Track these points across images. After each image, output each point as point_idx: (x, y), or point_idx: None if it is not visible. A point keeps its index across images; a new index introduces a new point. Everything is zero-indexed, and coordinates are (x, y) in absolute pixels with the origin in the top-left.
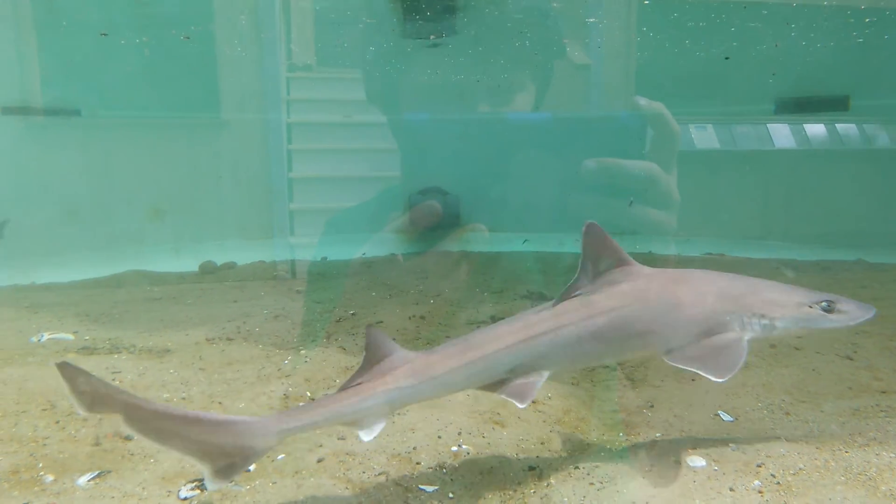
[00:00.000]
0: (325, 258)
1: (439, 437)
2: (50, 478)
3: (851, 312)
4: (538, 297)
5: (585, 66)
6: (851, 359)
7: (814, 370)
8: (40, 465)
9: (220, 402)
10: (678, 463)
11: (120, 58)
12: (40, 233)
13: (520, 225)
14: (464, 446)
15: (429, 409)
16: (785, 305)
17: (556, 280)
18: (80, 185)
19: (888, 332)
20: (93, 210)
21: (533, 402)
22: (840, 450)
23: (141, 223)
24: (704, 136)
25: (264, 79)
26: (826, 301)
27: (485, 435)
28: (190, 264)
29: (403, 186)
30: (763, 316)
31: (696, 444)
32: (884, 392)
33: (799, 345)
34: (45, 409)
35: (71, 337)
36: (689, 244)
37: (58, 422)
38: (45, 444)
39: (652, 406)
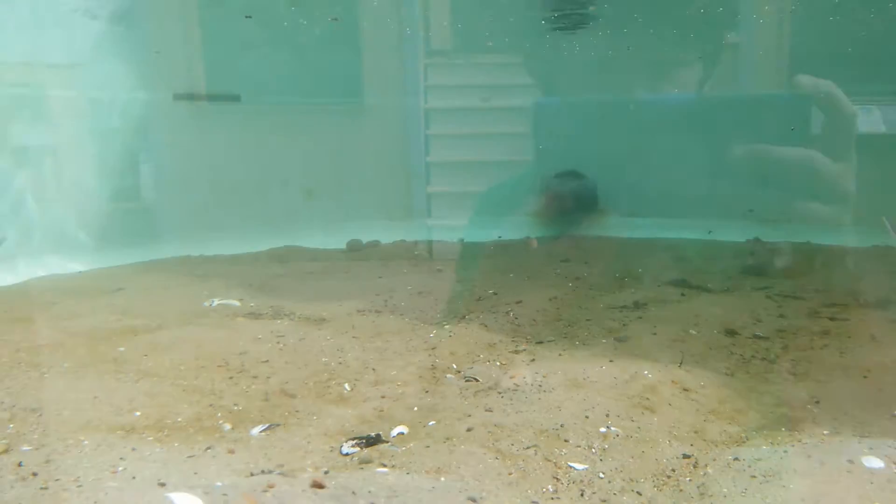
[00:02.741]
0: (463, 239)
1: (587, 416)
2: (228, 426)
3: None
4: (684, 285)
5: (734, 45)
6: None
7: None
8: (219, 414)
9: (373, 369)
10: (852, 462)
11: (275, 45)
12: (207, 210)
13: (661, 210)
14: (612, 428)
15: (573, 388)
16: None
17: (701, 269)
18: (240, 166)
19: None
20: (253, 190)
21: (685, 388)
22: None
23: (295, 202)
24: (871, 120)
25: (404, 65)
26: None
27: (633, 419)
28: (338, 242)
29: (535, 170)
30: None
31: (873, 445)
32: None
33: None
34: (219, 366)
35: (237, 303)
36: (856, 234)
37: (231, 378)
38: (221, 397)
39: (818, 402)
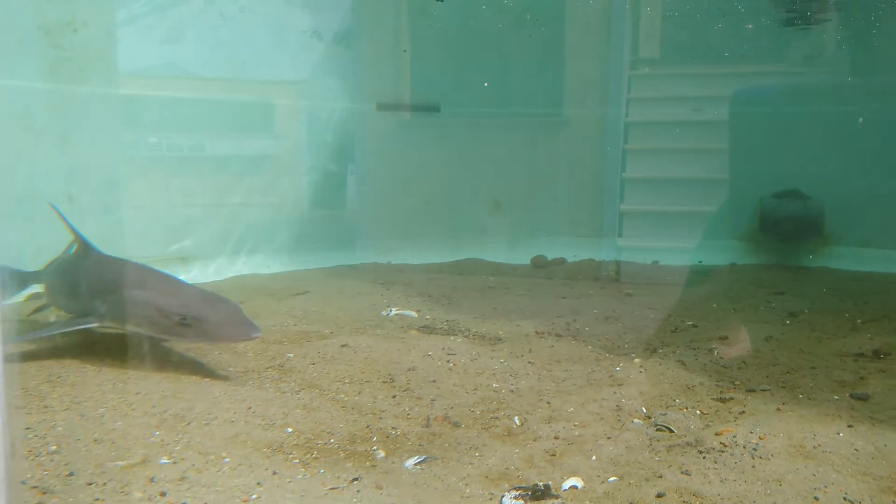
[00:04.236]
0: (657, 262)
1: (816, 498)
2: (381, 454)
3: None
4: None
5: None
6: None
7: None
8: (374, 438)
9: (548, 402)
10: None
11: (477, 57)
12: (400, 218)
13: None
14: None
15: (799, 458)
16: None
17: None
18: (435, 176)
19: None
20: (443, 200)
21: None
22: None
23: (482, 215)
24: None
25: (607, 75)
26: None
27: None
28: (522, 257)
29: (733, 190)
30: None
31: None
32: None
33: None
34: (385, 382)
35: (415, 314)
36: None
37: (394, 396)
38: (381, 418)
39: None
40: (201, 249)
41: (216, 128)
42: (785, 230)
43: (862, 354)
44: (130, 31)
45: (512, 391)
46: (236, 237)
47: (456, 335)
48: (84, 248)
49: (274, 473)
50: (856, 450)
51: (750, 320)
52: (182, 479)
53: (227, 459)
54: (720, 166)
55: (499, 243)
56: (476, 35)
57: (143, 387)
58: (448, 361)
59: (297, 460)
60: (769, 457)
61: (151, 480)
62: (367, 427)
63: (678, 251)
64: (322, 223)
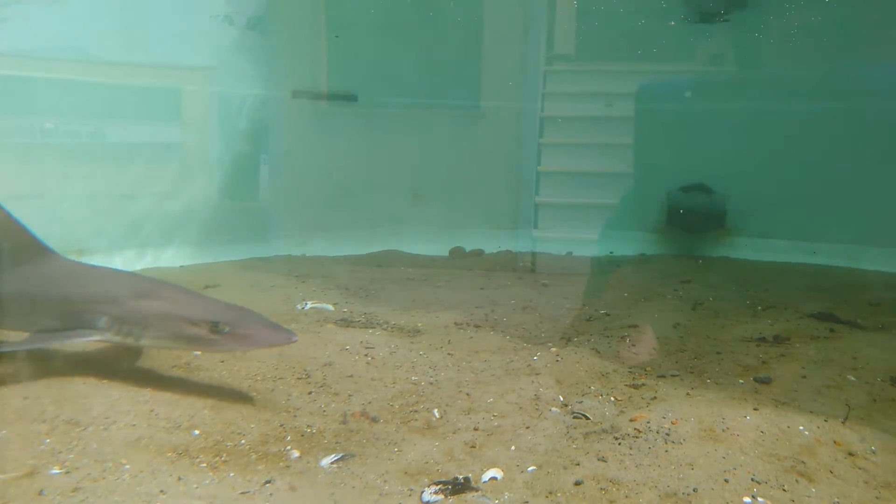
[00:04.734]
0: (571, 253)
1: (726, 480)
2: (296, 454)
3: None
4: (831, 319)
5: None
6: None
7: None
8: (288, 437)
9: (467, 394)
10: None
11: (397, 47)
12: (316, 210)
13: (802, 232)
14: (759, 499)
15: (709, 441)
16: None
17: (847, 301)
18: (352, 167)
19: None
20: (361, 191)
21: (850, 453)
22: None
23: (401, 206)
24: None
25: (524, 70)
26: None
27: (786, 488)
28: (441, 248)
29: (637, 183)
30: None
31: None
32: None
33: None
34: (300, 378)
35: (331, 308)
36: None
37: (310, 393)
38: (295, 416)
39: None
40: (103, 242)
41: (119, 114)
42: (691, 222)
43: (764, 339)
44: (23, 8)
45: (431, 383)
46: (142, 229)
47: (374, 328)
48: (38, 253)
49: (179, 479)
50: (762, 432)
51: (659, 308)
52: (76, 489)
53: (127, 466)
54: (630, 160)
55: (417, 235)
56: (396, 24)
57: (31, 391)
58: (366, 355)
59: (204, 464)
60: (681, 441)
61: (40, 493)
62: (281, 426)
63: (591, 242)
64: (234, 214)
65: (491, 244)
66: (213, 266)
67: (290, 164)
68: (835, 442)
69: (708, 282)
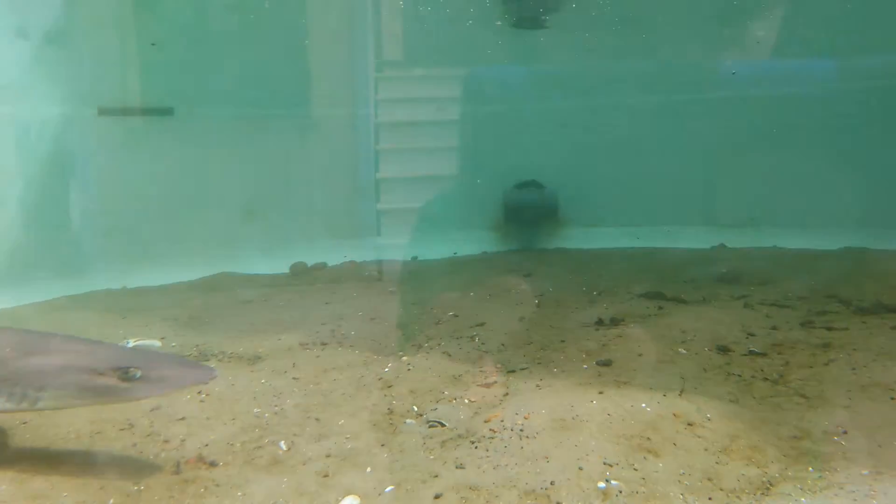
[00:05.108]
0: (416, 257)
1: (580, 468)
2: None
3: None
4: (659, 297)
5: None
6: None
7: None
8: (111, 501)
9: (316, 419)
10: None
11: (216, 55)
12: (135, 237)
13: (626, 218)
14: (613, 482)
15: (562, 431)
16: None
17: (671, 279)
18: (174, 187)
19: None
20: (186, 213)
21: (689, 423)
22: None
23: (233, 224)
24: None
25: (353, 76)
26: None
27: (636, 467)
28: (280, 265)
29: (464, 183)
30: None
31: None
32: None
33: None
34: (122, 429)
35: (158, 343)
36: (825, 237)
37: (135, 445)
38: (118, 474)
39: (845, 432)
40: None
41: None
42: (526, 217)
43: (602, 323)
44: None
45: (276, 413)
46: None
47: (209, 360)
48: None
49: None
50: (608, 415)
51: (505, 304)
52: None
53: None
54: (466, 162)
55: (253, 253)
56: (213, 31)
57: None
58: (199, 392)
59: None
60: (535, 435)
61: None
62: (101, 489)
63: (435, 245)
64: (38, 249)
65: (334, 256)
66: (14, 312)
67: (103, 189)
68: (674, 415)
69: (548, 273)
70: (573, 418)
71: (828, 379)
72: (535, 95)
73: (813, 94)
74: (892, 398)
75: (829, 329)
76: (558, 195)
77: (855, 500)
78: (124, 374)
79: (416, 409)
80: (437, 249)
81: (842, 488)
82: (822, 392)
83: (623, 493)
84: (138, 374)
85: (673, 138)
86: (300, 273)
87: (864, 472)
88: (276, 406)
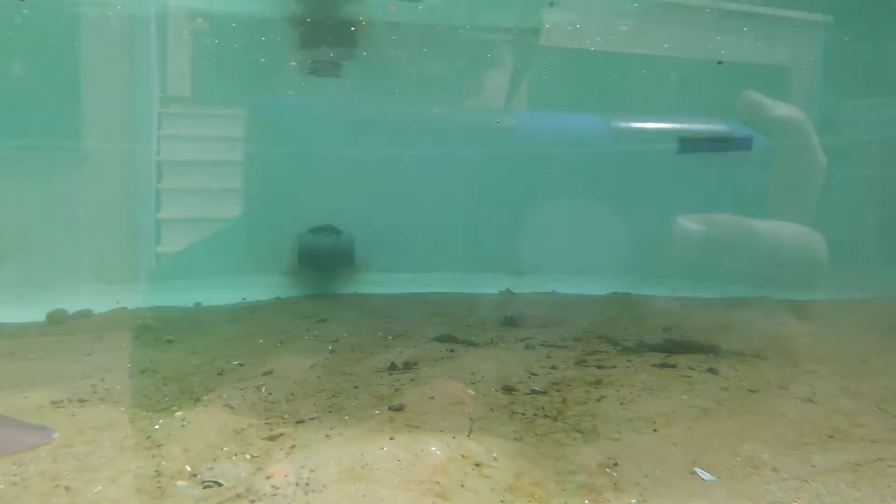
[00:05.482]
0: (199, 303)
1: None
2: None
3: None
4: (450, 341)
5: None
6: (813, 401)
7: (783, 415)
8: None
9: (66, 487)
10: None
11: None
12: None
13: (420, 265)
14: None
15: (351, 482)
16: None
17: (462, 322)
18: None
19: (839, 372)
20: None
21: (477, 464)
22: None
23: None
24: None
25: (133, 110)
26: None
27: None
28: (35, 313)
29: (255, 225)
30: None
31: None
32: (874, 441)
33: (753, 386)
34: None
35: None
36: (596, 283)
37: None
38: None
39: (616, 464)
40: None
41: None
42: (321, 262)
43: (395, 367)
44: None
45: (15, 484)
46: None
47: None
48: None
49: None
50: (399, 461)
51: (296, 351)
52: None
53: None
54: (257, 204)
55: (3, 300)
56: None
57: None
58: None
59: None
60: (321, 488)
61: None
62: None
63: (221, 290)
64: None
65: (103, 302)
66: None
67: None
68: (463, 456)
69: (343, 319)
70: (363, 467)
71: (600, 414)
72: (332, 138)
73: (583, 151)
74: (655, 430)
75: (600, 367)
76: (354, 240)
77: None
78: None
79: (189, 469)
80: (224, 295)
81: None
82: (596, 427)
83: None
84: None
85: (463, 187)
86: (59, 321)
87: (633, 501)
88: (16, 477)
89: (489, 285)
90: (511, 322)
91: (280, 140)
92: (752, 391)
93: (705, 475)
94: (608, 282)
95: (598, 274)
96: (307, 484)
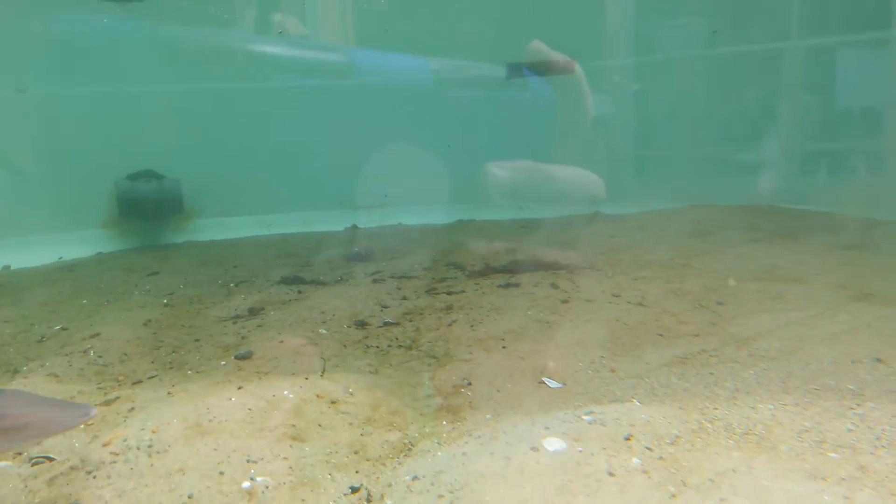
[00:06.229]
0: (8, 266)
1: (221, 472)
2: None
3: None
4: (297, 282)
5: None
6: (644, 305)
7: (617, 320)
8: None
9: None
10: (536, 450)
11: None
12: None
13: (259, 207)
14: (258, 479)
15: (198, 437)
16: None
17: (309, 263)
18: None
19: (664, 276)
20: None
21: (332, 402)
22: (707, 407)
23: None
24: None
25: None
26: None
27: (283, 457)
28: None
29: (77, 176)
30: None
31: (547, 424)
32: (697, 335)
33: (589, 296)
34: None
35: None
36: (441, 212)
37: None
38: None
39: (469, 383)
40: None
41: None
42: (145, 211)
43: (239, 315)
44: None
45: None
46: None
47: None
48: None
49: None
50: (249, 409)
51: (126, 308)
52: None
53: None
54: (64, 150)
55: None
56: None
57: None
58: None
59: None
60: (166, 448)
61: None
62: None
63: (33, 250)
64: None
65: None
66: None
67: None
68: (318, 396)
69: (177, 269)
70: (210, 421)
71: (452, 338)
72: (147, 70)
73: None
74: (504, 347)
75: (450, 293)
76: (181, 185)
77: (482, 443)
78: None
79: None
80: (37, 255)
81: (471, 435)
82: (449, 350)
83: (270, 487)
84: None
85: (300, 123)
86: None
87: (488, 416)
88: None
89: (334, 222)
90: (359, 257)
91: (84, 72)
92: (590, 301)
93: (552, 383)
94: (453, 210)
95: (441, 203)
96: (150, 446)
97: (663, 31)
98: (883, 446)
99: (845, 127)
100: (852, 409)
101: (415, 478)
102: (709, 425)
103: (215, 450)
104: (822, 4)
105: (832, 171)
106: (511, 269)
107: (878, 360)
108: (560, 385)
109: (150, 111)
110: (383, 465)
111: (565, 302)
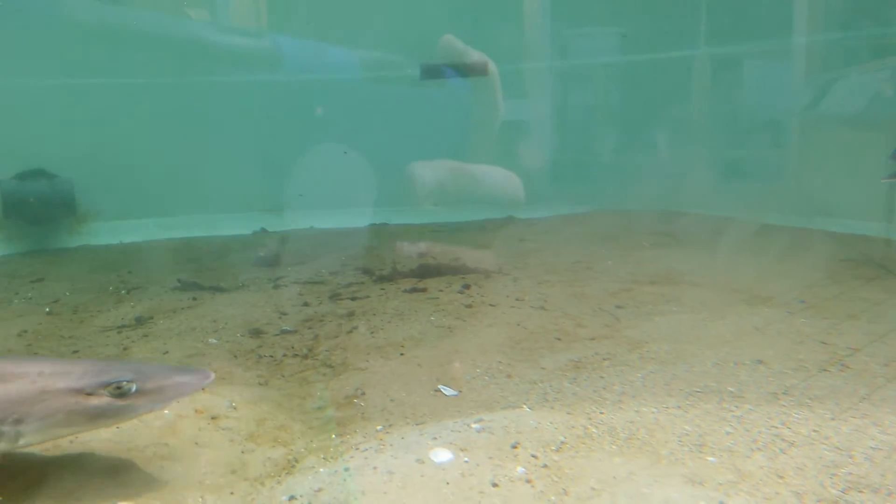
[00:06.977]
0: None
1: (78, 499)
2: None
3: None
4: (193, 287)
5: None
6: (545, 309)
7: (518, 324)
8: None
9: None
10: (422, 462)
11: None
12: None
13: (165, 208)
14: None
15: (57, 461)
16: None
17: (211, 268)
18: None
19: (568, 280)
20: None
21: (213, 417)
22: (594, 411)
23: None
24: None
25: None
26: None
27: (149, 481)
28: None
29: None
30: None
31: (435, 434)
32: (592, 339)
33: (493, 301)
34: None
35: None
36: (354, 216)
37: None
38: None
39: (363, 393)
40: None
41: None
42: (33, 212)
43: (125, 325)
44: None
45: None
46: None
47: None
48: None
49: None
50: (117, 428)
51: (3, 318)
52: None
53: None
54: None
55: None
56: None
57: None
58: None
59: None
60: (27, 470)
61: None
62: None
63: None
64: None
65: None
66: None
67: None
68: (196, 411)
69: (64, 275)
70: (71, 442)
71: (350, 346)
72: (38, 61)
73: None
74: (402, 354)
75: (354, 299)
76: (74, 185)
77: (366, 457)
78: (117, 390)
79: None
80: None
81: (357, 448)
82: (346, 359)
83: None
84: (133, 387)
85: (207, 120)
86: None
87: (378, 427)
88: None
89: (243, 226)
90: (264, 262)
91: None
92: (493, 305)
93: (448, 391)
94: (367, 214)
95: (355, 206)
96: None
97: (577, 39)
98: (759, 448)
99: (750, 134)
100: (731, 411)
101: (291, 497)
102: (594, 430)
103: (74, 475)
104: (730, 13)
105: (736, 177)
106: (419, 273)
107: (760, 362)
108: (455, 392)
109: (41, 105)
110: (262, 484)
111: (469, 307)
